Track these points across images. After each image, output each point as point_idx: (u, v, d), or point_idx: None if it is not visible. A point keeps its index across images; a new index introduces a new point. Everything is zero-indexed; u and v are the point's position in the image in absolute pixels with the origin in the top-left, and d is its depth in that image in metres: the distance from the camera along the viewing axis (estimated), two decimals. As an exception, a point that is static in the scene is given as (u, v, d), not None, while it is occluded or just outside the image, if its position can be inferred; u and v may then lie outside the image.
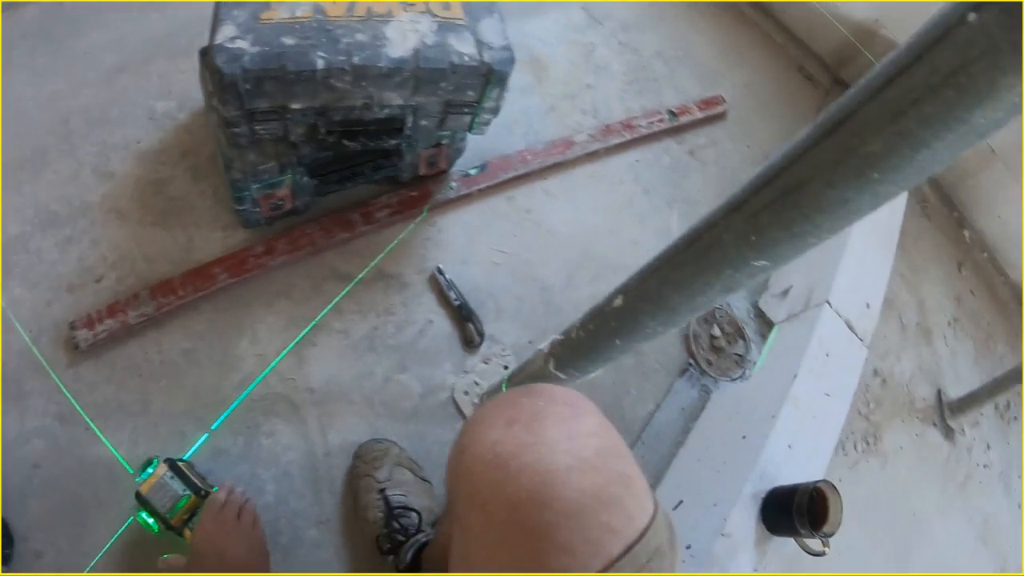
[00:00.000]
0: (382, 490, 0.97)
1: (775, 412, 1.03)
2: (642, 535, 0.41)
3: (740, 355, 1.33)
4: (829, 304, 1.19)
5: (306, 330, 1.13)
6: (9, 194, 1.27)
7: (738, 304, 1.44)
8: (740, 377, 1.29)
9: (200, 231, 1.21)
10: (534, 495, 0.39)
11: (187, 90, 1.37)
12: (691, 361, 1.28)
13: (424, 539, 0.92)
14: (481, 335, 1.17)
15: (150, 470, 0.93)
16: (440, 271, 1.19)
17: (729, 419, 1.16)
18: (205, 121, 1.30)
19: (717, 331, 1.34)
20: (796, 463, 1.00)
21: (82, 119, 1.36)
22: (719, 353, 1.32)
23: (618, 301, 0.68)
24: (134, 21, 1.49)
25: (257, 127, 0.96)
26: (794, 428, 1.03)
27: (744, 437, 1.06)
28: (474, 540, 0.42)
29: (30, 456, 1.05)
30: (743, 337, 1.35)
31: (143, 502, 0.93)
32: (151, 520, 0.94)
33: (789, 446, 1.02)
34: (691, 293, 0.58)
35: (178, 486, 0.93)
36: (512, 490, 0.39)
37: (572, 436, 0.42)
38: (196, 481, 0.95)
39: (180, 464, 0.96)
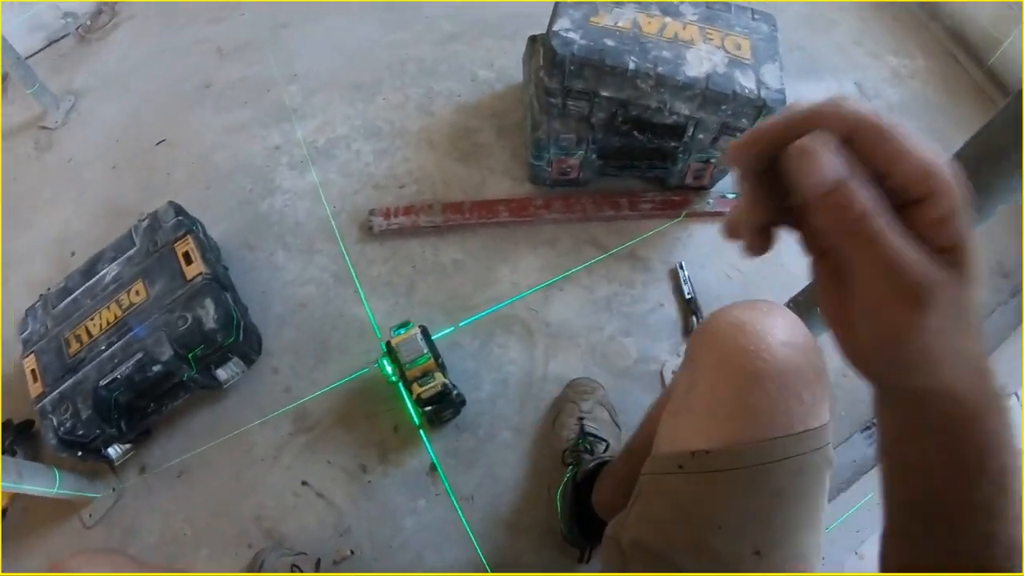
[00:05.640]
0: (581, 418, 1.14)
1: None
2: (819, 428, 0.54)
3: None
4: (1017, 397, 1.17)
5: (559, 276, 1.36)
6: (343, 106, 1.65)
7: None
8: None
9: (493, 175, 1.49)
10: (755, 350, 0.53)
11: (506, 67, 1.67)
12: (875, 421, 1.31)
13: (607, 459, 1.06)
14: (699, 330, 1.30)
15: (403, 330, 1.11)
16: (681, 267, 1.34)
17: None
18: (518, 95, 1.59)
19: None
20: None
21: (416, 66, 1.72)
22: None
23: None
24: (470, 4, 1.83)
25: (569, 103, 1.21)
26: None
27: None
28: (703, 371, 0.57)
29: (300, 296, 1.36)
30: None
31: (390, 351, 1.11)
32: (391, 368, 1.12)
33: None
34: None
35: (423, 346, 1.09)
36: (742, 343, 0.54)
37: (792, 328, 0.56)
38: (437, 352, 1.12)
39: (428, 333, 1.15)
